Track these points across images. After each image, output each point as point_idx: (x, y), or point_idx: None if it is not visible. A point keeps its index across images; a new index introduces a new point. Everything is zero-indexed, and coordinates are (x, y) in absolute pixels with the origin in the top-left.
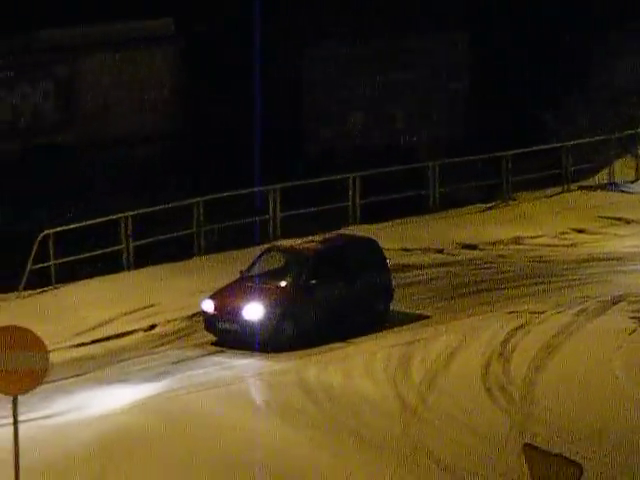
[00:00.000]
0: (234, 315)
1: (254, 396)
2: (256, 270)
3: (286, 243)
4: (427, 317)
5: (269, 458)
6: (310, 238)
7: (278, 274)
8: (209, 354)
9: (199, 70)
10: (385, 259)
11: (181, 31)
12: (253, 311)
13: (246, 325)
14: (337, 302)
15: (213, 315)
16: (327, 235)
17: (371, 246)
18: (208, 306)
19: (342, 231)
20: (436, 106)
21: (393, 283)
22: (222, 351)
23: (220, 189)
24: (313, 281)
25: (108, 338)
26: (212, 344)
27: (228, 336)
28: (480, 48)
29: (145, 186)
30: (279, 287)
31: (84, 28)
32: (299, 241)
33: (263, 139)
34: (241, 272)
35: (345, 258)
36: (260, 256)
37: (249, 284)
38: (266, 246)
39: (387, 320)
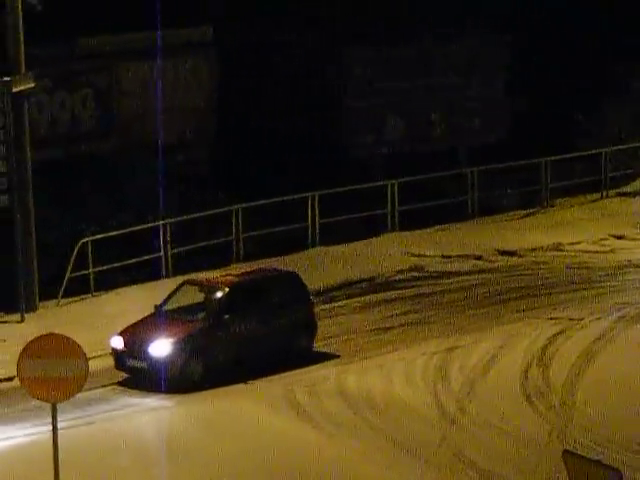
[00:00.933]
0: (142, 352)
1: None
2: (171, 304)
3: (202, 276)
4: (466, 324)
5: (313, 465)
6: (228, 271)
7: (191, 309)
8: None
9: (237, 77)
10: (308, 294)
11: (220, 39)
12: (160, 348)
13: (153, 362)
14: (253, 338)
15: (122, 352)
16: (246, 268)
17: (292, 280)
18: (117, 342)
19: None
20: (475, 110)
21: (316, 318)
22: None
23: (260, 196)
24: (227, 316)
25: None
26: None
27: (137, 374)
28: (521, 51)
29: (184, 193)
30: (190, 322)
31: (122, 36)
32: (216, 274)
33: (302, 145)
34: (155, 306)
35: (263, 292)
36: (176, 290)
37: (161, 319)
38: (183, 278)
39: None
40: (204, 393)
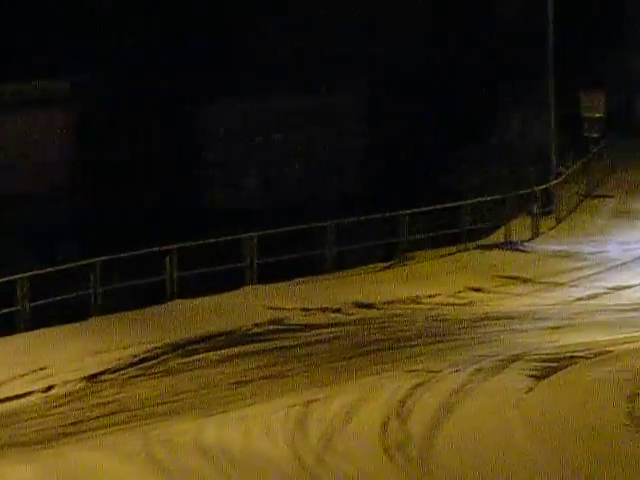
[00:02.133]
0: None
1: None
2: None
3: None
4: (325, 377)
5: None
6: None
7: None
8: (111, 413)
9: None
10: None
11: (77, 92)
12: None
13: None
14: None
15: None
16: None
17: None
18: None
19: None
20: (335, 164)
21: None
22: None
23: (118, 248)
24: None
25: (2, 400)
26: None
27: None
28: (378, 105)
29: (39, 246)
30: None
31: None
32: None
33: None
34: None
35: None
36: None
37: None
38: None
39: None
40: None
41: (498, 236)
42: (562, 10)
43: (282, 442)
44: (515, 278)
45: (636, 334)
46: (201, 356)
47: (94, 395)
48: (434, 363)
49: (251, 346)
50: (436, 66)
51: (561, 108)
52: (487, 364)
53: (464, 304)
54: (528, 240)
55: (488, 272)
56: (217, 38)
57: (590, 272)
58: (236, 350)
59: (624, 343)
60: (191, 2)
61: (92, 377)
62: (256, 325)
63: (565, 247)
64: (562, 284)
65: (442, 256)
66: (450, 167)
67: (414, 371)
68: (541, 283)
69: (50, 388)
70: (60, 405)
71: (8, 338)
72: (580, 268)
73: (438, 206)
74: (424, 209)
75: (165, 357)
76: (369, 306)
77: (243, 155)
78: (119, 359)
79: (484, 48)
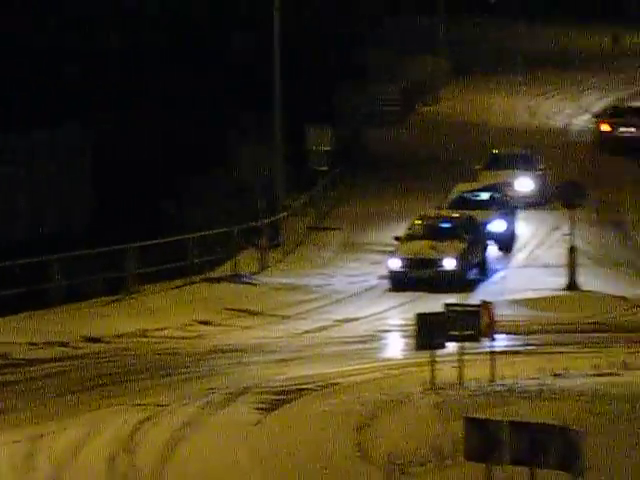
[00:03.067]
0: None
1: None
2: None
3: None
4: (53, 411)
5: None
6: None
7: None
8: None
9: None
10: None
11: None
12: None
13: None
14: None
15: None
16: None
17: None
18: None
19: None
20: (57, 198)
21: None
22: None
23: None
24: None
25: None
26: None
27: None
28: (106, 135)
29: None
30: None
31: None
32: None
33: None
34: None
35: None
36: None
37: None
38: None
39: None
40: None
41: (226, 269)
42: (291, 43)
43: (10, 478)
44: (244, 311)
45: (363, 366)
46: None
47: None
48: (163, 397)
49: None
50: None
51: (289, 141)
52: (216, 397)
53: (193, 337)
54: (256, 273)
55: (216, 305)
56: None
57: (317, 305)
58: None
59: (351, 375)
60: None
61: None
62: None
63: (293, 280)
64: (290, 317)
65: (170, 289)
66: (179, 199)
67: (143, 405)
68: (269, 316)
69: None
70: None
71: None
72: (308, 301)
73: (166, 239)
74: (151, 242)
75: None
76: (97, 340)
77: None
78: None
79: (214, 81)
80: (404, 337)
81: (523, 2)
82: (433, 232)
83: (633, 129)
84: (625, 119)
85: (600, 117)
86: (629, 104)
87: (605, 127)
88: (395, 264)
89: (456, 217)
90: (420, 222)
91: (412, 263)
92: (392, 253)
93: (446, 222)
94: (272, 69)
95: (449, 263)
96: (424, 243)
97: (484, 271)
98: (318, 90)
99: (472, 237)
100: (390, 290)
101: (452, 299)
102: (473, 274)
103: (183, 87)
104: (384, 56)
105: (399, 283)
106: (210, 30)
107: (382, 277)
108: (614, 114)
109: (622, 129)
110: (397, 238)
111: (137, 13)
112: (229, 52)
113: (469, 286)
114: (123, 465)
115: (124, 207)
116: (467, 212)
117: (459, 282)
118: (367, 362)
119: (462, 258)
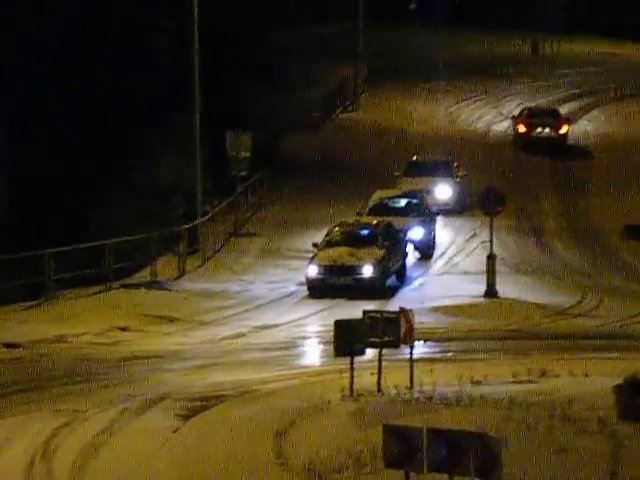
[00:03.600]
0: None
1: None
2: None
3: None
4: None
5: None
6: None
7: None
8: None
9: None
10: None
11: None
12: None
13: None
14: None
15: None
16: None
17: None
18: None
19: None
20: None
21: None
22: None
23: None
24: None
25: None
26: None
27: None
28: (21, 144)
29: None
30: None
31: None
32: None
33: None
34: None
35: None
36: None
37: None
38: None
39: None
40: None
41: (144, 275)
42: (211, 48)
43: None
44: (162, 317)
45: (282, 373)
46: None
47: None
48: (81, 403)
49: None
50: (80, 98)
51: (208, 147)
52: (135, 403)
53: (111, 343)
54: (175, 279)
55: (135, 311)
56: None
57: (236, 311)
58: None
59: (270, 382)
60: None
61: None
62: None
63: (212, 286)
64: (209, 323)
65: (88, 295)
66: (99, 204)
67: (60, 411)
68: (188, 322)
69: None
70: None
71: None
72: (226, 307)
73: (84, 245)
74: (69, 248)
75: None
76: (15, 345)
77: None
78: None
79: (133, 84)
80: (323, 344)
81: (443, 9)
82: (351, 239)
83: (547, 129)
84: (540, 120)
85: (517, 118)
86: (544, 106)
87: (521, 128)
88: (313, 271)
89: (374, 224)
90: (338, 229)
91: (330, 270)
92: (310, 260)
93: (364, 229)
94: (191, 73)
95: (367, 270)
96: (342, 250)
97: (403, 278)
98: (239, 96)
99: (390, 244)
100: (309, 297)
101: (371, 306)
102: (391, 281)
103: (103, 90)
104: (305, 62)
105: (317, 290)
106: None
107: (301, 283)
108: (530, 115)
109: (537, 130)
110: (315, 245)
111: (56, 15)
112: (150, 54)
113: (388, 293)
114: (41, 471)
115: (43, 213)
116: (386, 219)
117: (377, 289)
118: (286, 369)
119: (380, 265)
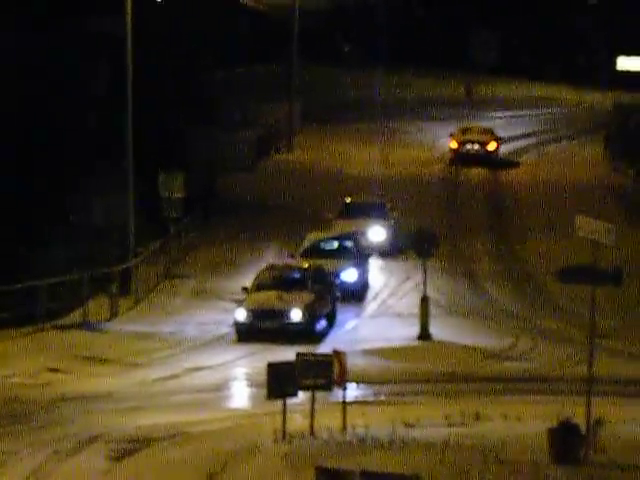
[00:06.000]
0: None
1: None
2: None
3: None
4: None
5: None
6: None
7: None
8: None
9: None
10: None
11: None
12: None
13: None
14: None
15: None
16: None
17: None
18: None
19: None
20: None
21: None
22: None
23: None
24: None
25: None
26: None
27: None
28: None
29: None
30: None
31: None
32: None
33: None
34: None
35: None
36: None
37: None
38: None
39: None
40: None
41: (76, 316)
42: (148, 87)
43: None
44: (94, 358)
45: (214, 415)
46: None
47: None
48: (11, 444)
49: None
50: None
51: (141, 188)
52: (65, 445)
53: (42, 385)
54: (107, 320)
55: (66, 352)
56: None
57: (169, 352)
58: None
59: (202, 424)
60: None
61: None
62: None
63: (144, 327)
64: (141, 364)
65: (20, 336)
66: (33, 245)
67: None
68: (121, 363)
69: None
70: None
71: None
72: (159, 348)
73: (16, 285)
74: (1, 288)
75: None
76: None
77: None
78: None
79: (70, 124)
80: (255, 386)
81: (378, 52)
82: (281, 282)
83: (477, 146)
84: (470, 137)
85: (452, 136)
86: (475, 124)
87: (453, 144)
88: (241, 315)
89: (304, 267)
90: (268, 272)
91: (258, 314)
92: (239, 304)
93: (294, 272)
94: (125, 117)
95: (296, 314)
96: (271, 294)
97: (333, 322)
98: (171, 136)
99: (320, 288)
100: (238, 341)
101: (303, 349)
102: (321, 326)
103: (37, 134)
104: (239, 102)
105: (246, 334)
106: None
107: (233, 325)
108: (463, 132)
109: (468, 146)
110: (245, 289)
111: None
112: (84, 99)
113: (317, 338)
114: None
115: None
116: (316, 262)
117: (306, 334)
118: (218, 411)
119: (309, 309)
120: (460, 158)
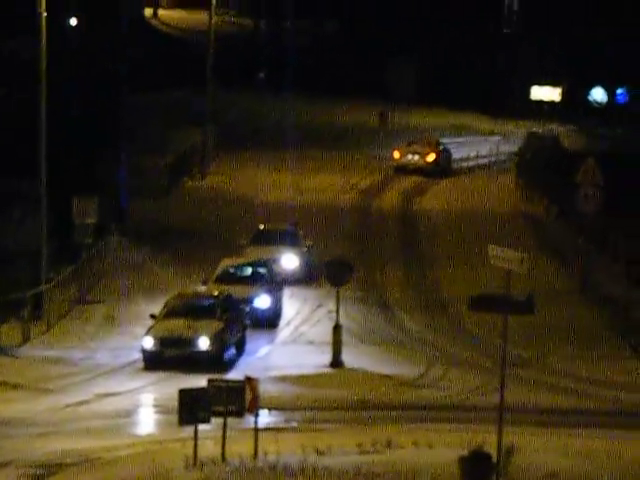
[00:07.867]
0: None
1: None
2: None
3: None
4: None
5: None
6: None
7: None
8: None
9: None
10: None
11: None
12: None
13: None
14: None
15: None
16: None
17: None
18: None
19: None
20: None
21: None
22: None
23: None
24: None
25: None
26: None
27: None
28: None
29: None
30: None
31: None
32: None
33: None
34: None
35: None
36: None
37: None
38: None
39: None
40: None
41: None
42: (64, 110)
43: None
44: (5, 383)
45: (125, 441)
46: None
47: None
48: None
49: None
50: None
51: (56, 212)
52: None
53: None
54: (18, 345)
55: None
56: None
57: (80, 378)
58: None
59: (113, 450)
60: None
61: None
62: None
63: (56, 353)
64: (52, 390)
65: None
66: None
67: None
68: (32, 389)
69: None
70: None
71: None
72: (70, 374)
73: None
74: None
75: None
76: None
77: None
78: None
79: None
80: (166, 412)
81: (293, 79)
82: (190, 310)
83: (417, 156)
84: (412, 148)
85: (398, 147)
86: (427, 136)
87: (396, 155)
88: (148, 343)
89: (213, 295)
90: (177, 300)
91: (166, 342)
92: (147, 331)
93: (203, 300)
94: (38, 139)
95: (203, 343)
96: (180, 322)
97: (242, 350)
98: (84, 161)
99: (230, 316)
100: (145, 369)
101: (216, 376)
102: (229, 354)
103: None
104: (152, 127)
105: (153, 362)
106: None
107: (141, 352)
108: (408, 144)
109: (409, 157)
110: (153, 316)
111: None
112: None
113: (225, 366)
114: None
115: None
116: (227, 289)
117: (214, 362)
118: (129, 437)
119: (217, 338)
120: (400, 169)
